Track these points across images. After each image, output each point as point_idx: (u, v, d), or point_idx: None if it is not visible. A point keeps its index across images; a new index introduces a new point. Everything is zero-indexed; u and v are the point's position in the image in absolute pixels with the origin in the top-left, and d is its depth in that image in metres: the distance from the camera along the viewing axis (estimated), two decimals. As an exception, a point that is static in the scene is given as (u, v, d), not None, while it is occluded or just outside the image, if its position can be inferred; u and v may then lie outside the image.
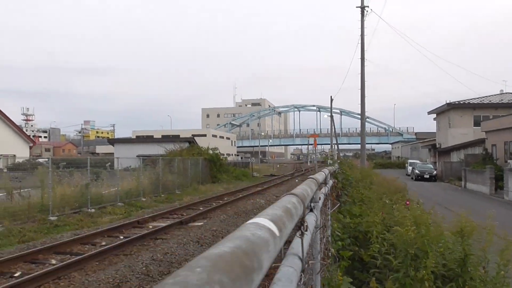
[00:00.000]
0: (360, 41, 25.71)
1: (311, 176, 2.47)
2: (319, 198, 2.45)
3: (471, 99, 40.06)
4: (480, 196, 23.87)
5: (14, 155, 27.08)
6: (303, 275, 1.53)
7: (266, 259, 0.62)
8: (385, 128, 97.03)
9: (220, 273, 0.42)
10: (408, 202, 7.04)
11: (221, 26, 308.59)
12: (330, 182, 5.58)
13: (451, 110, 38.66)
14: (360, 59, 25.94)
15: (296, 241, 1.44)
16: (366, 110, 27.16)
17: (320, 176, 2.93)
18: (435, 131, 46.74)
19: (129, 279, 7.57)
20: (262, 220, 0.75)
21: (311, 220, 1.95)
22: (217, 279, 0.41)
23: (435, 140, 46.21)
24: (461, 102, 38.84)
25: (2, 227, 11.86)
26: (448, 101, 38.91)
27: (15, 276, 7.54)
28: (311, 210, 2.20)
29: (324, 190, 3.61)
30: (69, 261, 8.17)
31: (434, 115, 44.73)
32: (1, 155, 19.84)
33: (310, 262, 2.04)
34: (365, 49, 26.08)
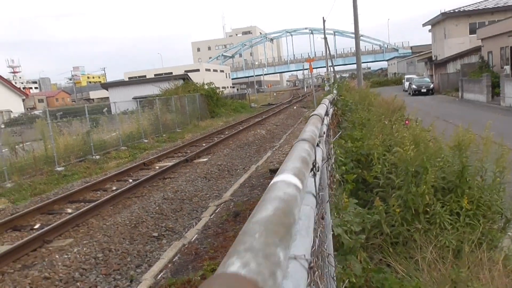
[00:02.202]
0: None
1: (314, 113, 2.53)
2: (324, 132, 2.52)
3: (466, 6, 38.83)
4: (477, 105, 24.07)
5: (9, 110, 26.87)
6: (317, 209, 1.64)
7: (297, 212, 0.71)
8: (380, 45, 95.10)
9: (272, 236, 0.52)
10: (407, 122, 7.16)
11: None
12: (331, 111, 5.65)
13: (446, 19, 37.62)
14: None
15: (310, 180, 1.53)
16: (360, 28, 26.49)
17: (322, 110, 2.99)
18: (431, 43, 45.88)
19: (145, 219, 7.93)
20: (287, 176, 0.83)
21: (319, 156, 2.03)
22: (272, 241, 0.51)
23: (431, 53, 45.50)
24: (456, 10, 37.67)
25: (12, 182, 12.14)
26: (443, 11, 37.78)
27: (35, 228, 7.90)
28: (317, 145, 2.28)
29: (326, 120, 3.69)
30: (85, 208, 8.49)
31: (429, 27, 43.62)
32: (-4, 111, 19.75)
33: (320, 193, 2.15)
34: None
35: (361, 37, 45.90)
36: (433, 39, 43.98)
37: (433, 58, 42.95)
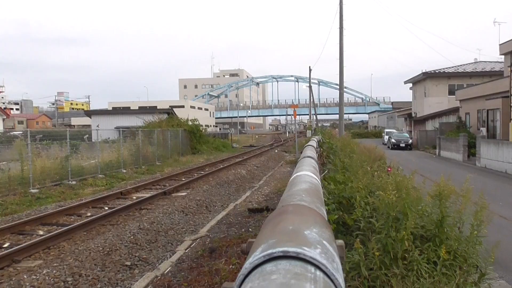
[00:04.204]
0: (339, 10, 25.66)
1: (308, 144, 2.62)
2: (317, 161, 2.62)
3: (446, 68, 40.83)
4: (453, 163, 24.76)
5: (-12, 128, 26.35)
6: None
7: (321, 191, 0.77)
8: (362, 98, 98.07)
9: (313, 197, 0.58)
10: (390, 169, 7.34)
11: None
12: (317, 150, 5.77)
13: (427, 79, 39.36)
14: (338, 28, 25.97)
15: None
16: (344, 80, 27.42)
17: (314, 143, 3.10)
18: (411, 100, 47.62)
19: (118, 247, 7.73)
20: (308, 172, 0.90)
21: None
22: (315, 200, 0.57)
23: (411, 109, 47.14)
24: (437, 71, 39.54)
25: (-17, 200, 11.76)
26: (424, 71, 39.58)
27: (4, 247, 7.59)
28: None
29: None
30: (57, 231, 8.24)
31: (411, 85, 45.46)
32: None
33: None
34: (343, 18, 26.11)
35: (344, 89, 47.41)
36: (413, 96, 45.71)
37: (413, 115, 44.43)
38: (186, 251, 7.90)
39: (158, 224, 9.65)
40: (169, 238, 8.92)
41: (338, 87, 27.09)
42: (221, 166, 22.14)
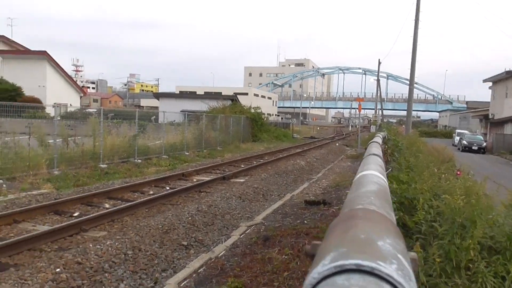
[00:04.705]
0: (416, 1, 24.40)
1: (373, 140, 2.51)
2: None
3: (532, 67, 37.61)
4: (531, 171, 22.89)
5: (67, 104, 28.36)
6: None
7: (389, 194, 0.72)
8: (433, 95, 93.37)
9: (382, 200, 0.54)
10: (459, 173, 6.92)
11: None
12: (382, 147, 5.57)
13: (510, 78, 36.52)
14: (414, 21, 24.73)
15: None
16: (415, 76, 26.18)
17: (379, 140, 2.98)
18: (489, 100, 44.53)
19: (176, 227, 8.02)
20: (375, 172, 0.85)
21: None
22: (384, 204, 0.52)
23: (488, 110, 44.11)
24: (522, 71, 36.58)
25: (59, 171, 12.72)
26: (508, 69, 36.73)
27: (74, 216, 8.17)
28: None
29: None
30: (122, 206, 8.71)
31: (490, 84, 42.47)
32: (55, 103, 20.85)
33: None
34: (420, 9, 24.81)
35: (415, 85, 45.29)
36: (492, 96, 42.72)
37: (490, 116, 41.58)
38: (241, 236, 8.02)
39: (215, 207, 9.87)
40: (225, 222, 9.10)
41: (408, 82, 25.94)
42: (280, 156, 22.16)
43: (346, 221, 0.62)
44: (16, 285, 4.73)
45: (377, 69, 51.28)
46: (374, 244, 0.47)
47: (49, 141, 14.05)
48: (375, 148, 3.06)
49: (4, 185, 10.46)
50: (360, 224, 0.57)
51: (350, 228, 0.55)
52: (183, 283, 5.64)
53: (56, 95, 35.05)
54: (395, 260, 0.46)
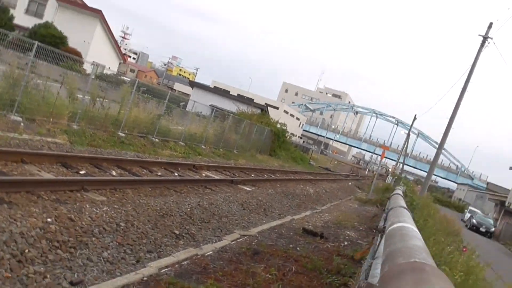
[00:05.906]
0: (469, 70, 24.14)
1: (396, 192, 2.47)
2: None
3: None
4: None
5: (105, 66, 28.84)
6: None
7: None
8: (457, 165, 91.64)
9: (429, 256, 0.51)
10: (465, 249, 6.74)
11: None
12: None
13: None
14: (461, 88, 24.42)
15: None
16: (446, 141, 25.75)
17: (400, 192, 2.92)
18: (510, 188, 43.51)
19: (174, 214, 8.02)
20: (408, 224, 0.81)
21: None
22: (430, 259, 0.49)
23: (506, 197, 43.06)
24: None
25: (78, 126, 12.89)
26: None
27: (80, 173, 8.26)
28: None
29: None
30: (127, 178, 8.76)
31: (516, 172, 41.52)
32: (94, 62, 21.25)
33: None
34: (470, 80, 24.49)
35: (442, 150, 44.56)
36: (514, 185, 41.70)
37: (507, 204, 40.57)
38: (232, 243, 7.96)
39: (216, 207, 9.84)
40: (221, 224, 9.06)
41: (436, 145, 25.54)
42: (292, 177, 22.04)
43: (414, 273, 0.62)
44: (5, 222, 4.76)
45: (409, 121, 50.76)
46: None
47: (78, 95, 14.29)
48: (401, 201, 3.03)
49: (22, 123, 10.65)
50: (432, 280, 0.58)
51: (422, 282, 0.56)
52: (164, 270, 5.62)
53: (97, 54, 35.69)
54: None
